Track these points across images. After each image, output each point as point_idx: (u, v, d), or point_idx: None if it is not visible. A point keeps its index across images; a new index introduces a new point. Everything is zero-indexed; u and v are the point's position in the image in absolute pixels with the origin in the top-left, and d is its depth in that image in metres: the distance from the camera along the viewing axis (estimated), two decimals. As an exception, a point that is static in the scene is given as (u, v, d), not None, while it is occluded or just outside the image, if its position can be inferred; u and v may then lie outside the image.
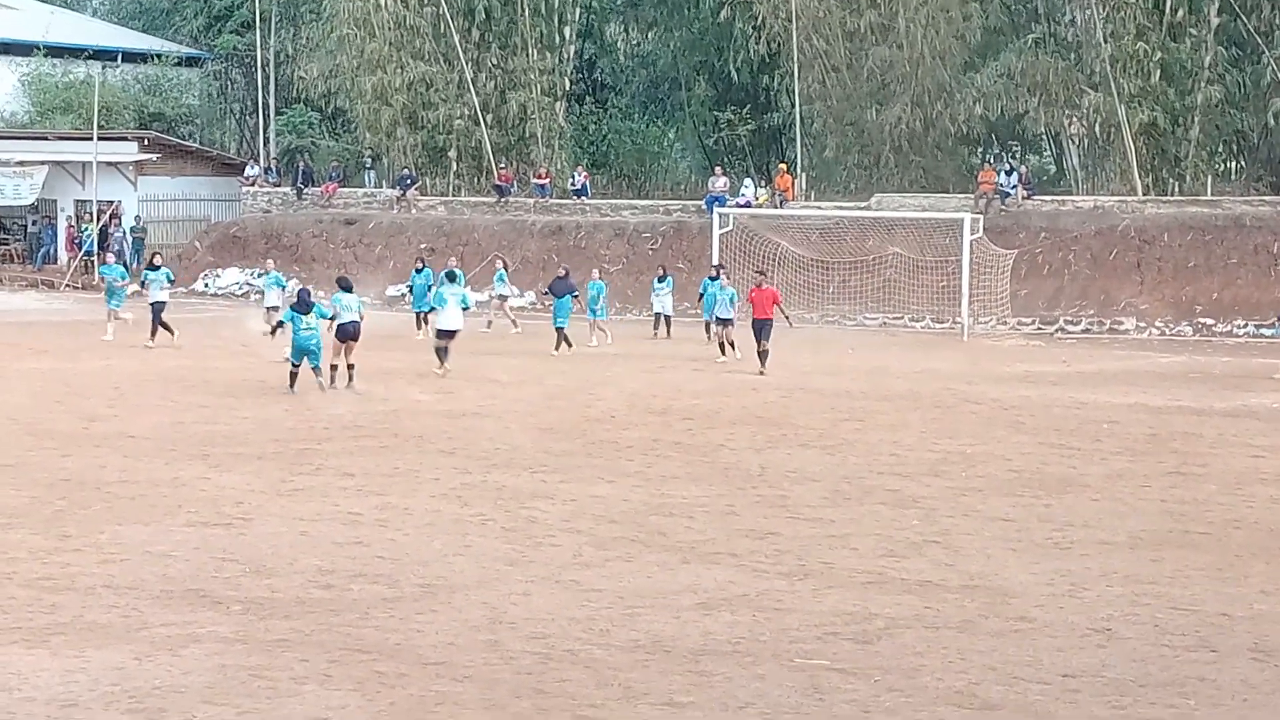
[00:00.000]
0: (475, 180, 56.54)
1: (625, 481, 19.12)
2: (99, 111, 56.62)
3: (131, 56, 70.46)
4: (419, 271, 39.49)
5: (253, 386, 27.08)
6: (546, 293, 36.31)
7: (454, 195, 55.55)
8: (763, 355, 31.15)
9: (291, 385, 26.33)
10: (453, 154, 56.59)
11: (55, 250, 58.10)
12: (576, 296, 36.08)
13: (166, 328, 33.77)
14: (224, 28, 70.21)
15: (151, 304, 34.06)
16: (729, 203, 48.20)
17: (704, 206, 48.98)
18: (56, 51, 67.29)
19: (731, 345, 33.38)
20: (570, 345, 34.50)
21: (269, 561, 14.66)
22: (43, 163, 56.93)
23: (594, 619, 13.02)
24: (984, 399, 27.79)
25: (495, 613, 13.13)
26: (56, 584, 13.67)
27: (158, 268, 35.02)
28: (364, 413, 24.56)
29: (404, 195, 54.69)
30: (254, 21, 63.94)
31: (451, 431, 22.92)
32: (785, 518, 17.17)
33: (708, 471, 19.99)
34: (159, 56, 69.83)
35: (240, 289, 52.56)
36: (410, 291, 41.25)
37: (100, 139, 56.09)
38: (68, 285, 53.44)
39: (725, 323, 34.16)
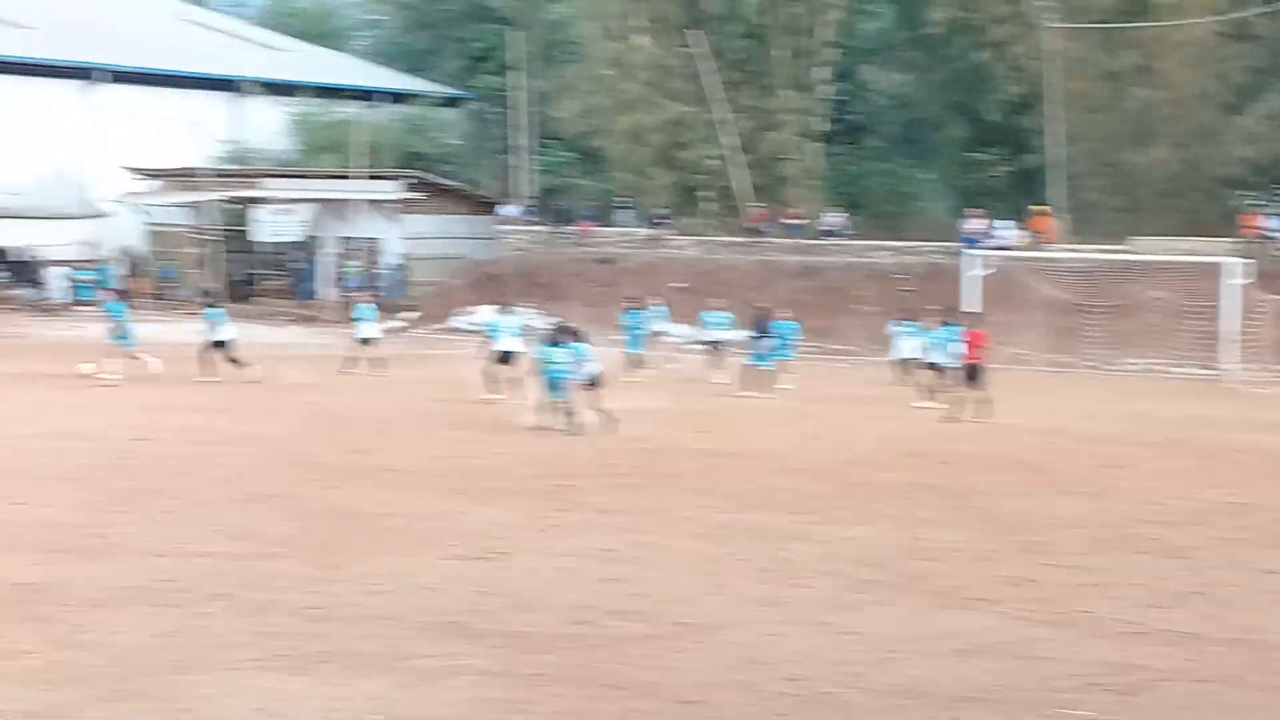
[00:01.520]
0: (729, 220, 56.73)
1: (881, 524, 18.98)
2: (362, 151, 57.89)
3: (394, 97, 72.11)
4: (630, 313, 38.68)
5: (510, 423, 27.36)
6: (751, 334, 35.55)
7: (707, 235, 55.76)
8: (975, 402, 30.34)
9: (548, 422, 26.44)
10: (706, 194, 56.84)
11: (319, 286, 59.45)
12: (771, 337, 34.95)
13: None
14: (483, 68, 71.47)
15: (360, 340, 35.12)
16: (984, 244, 47.72)
17: (958, 248, 48.55)
18: (322, 92, 69.17)
19: (939, 392, 31.67)
20: (746, 391, 33.83)
21: (527, 596, 14.80)
22: (308, 200, 58.33)
23: (849, 662, 12.93)
24: (1250, 447, 27.08)
25: (750, 653, 13.11)
26: (322, 613, 13.95)
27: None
28: (621, 451, 24.70)
29: (657, 235, 55.03)
30: (512, 62, 64.93)
31: (707, 471, 22.97)
32: (1044, 564, 16.89)
33: (965, 516, 19.76)
34: (420, 97, 71.45)
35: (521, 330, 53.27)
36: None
37: (363, 178, 57.37)
38: (330, 321, 54.58)
39: (938, 368, 32.39)
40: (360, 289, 54.67)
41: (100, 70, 63.91)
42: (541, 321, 38.72)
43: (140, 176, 62.78)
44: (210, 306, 35.40)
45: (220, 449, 23.96)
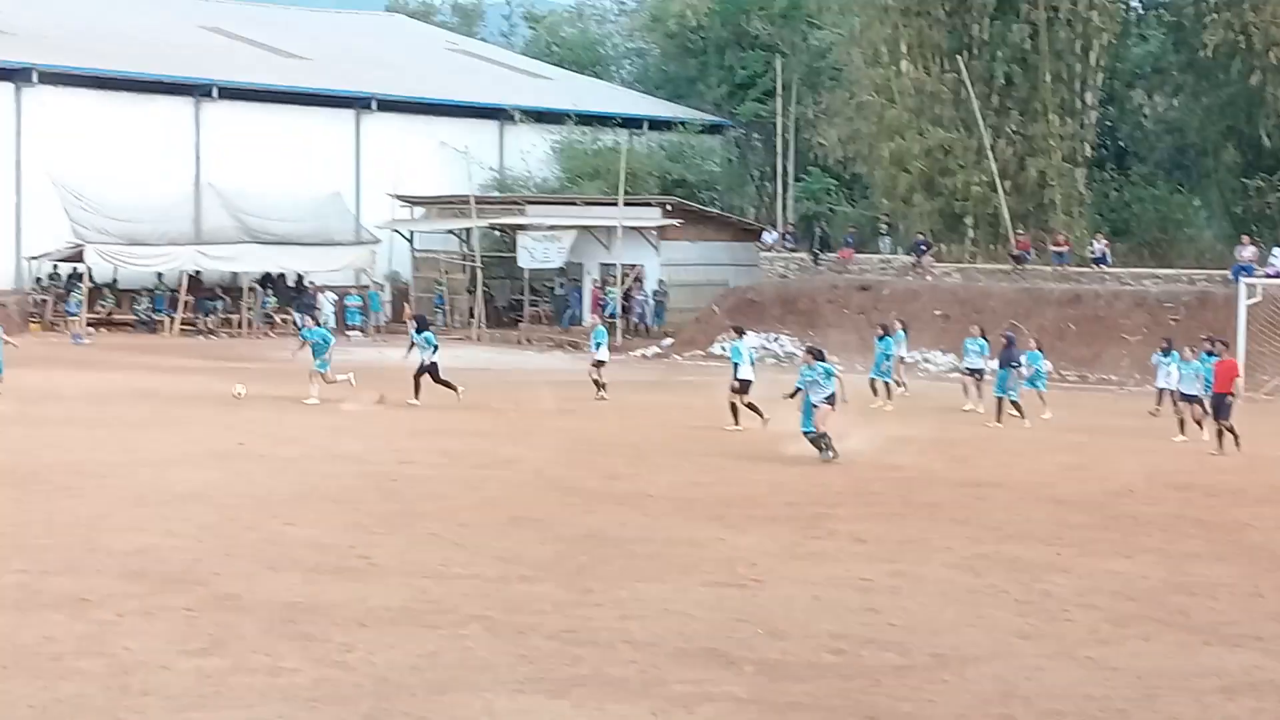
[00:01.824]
0: (991, 247, 56.12)
1: (1144, 558, 18.59)
2: (625, 178, 58.40)
3: (657, 124, 72.73)
4: (881, 339, 37.96)
5: (765, 450, 27.35)
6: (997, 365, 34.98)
7: (969, 262, 55.22)
8: (1223, 433, 29.62)
9: (823, 450, 26.22)
10: (969, 221, 56.33)
11: (580, 312, 60.10)
12: (1017, 367, 34.44)
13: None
14: (746, 95, 71.80)
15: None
16: (1257, 272, 46.54)
17: (1229, 276, 47.41)
18: (586, 120, 70.03)
19: (1198, 424, 31.19)
20: (999, 420, 33.36)
21: (782, 624, 14.77)
22: (571, 227, 59.01)
23: (1110, 698, 12.67)
24: None
25: (1008, 686, 12.93)
26: (578, 637, 14.07)
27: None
28: (877, 479, 24.56)
29: (919, 262, 54.65)
30: (775, 89, 65.05)
31: (964, 501, 22.73)
32: (1315, 603, 16.42)
33: (1232, 550, 19.27)
34: (683, 124, 71.86)
35: (756, 353, 53.20)
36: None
37: (625, 204, 57.87)
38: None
39: (1191, 399, 31.63)
40: (610, 314, 55.26)
41: (370, 100, 65.43)
42: (798, 347, 38.69)
43: (407, 204, 64.14)
44: (420, 330, 36.00)
45: (480, 473, 24.31)
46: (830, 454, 26.02)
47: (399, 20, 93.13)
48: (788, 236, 60.90)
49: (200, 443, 26.78)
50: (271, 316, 60.68)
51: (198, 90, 61.85)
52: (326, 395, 33.97)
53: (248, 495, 21.33)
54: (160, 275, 59.19)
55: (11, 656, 12.73)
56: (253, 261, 60.41)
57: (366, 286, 62.65)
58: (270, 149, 62.50)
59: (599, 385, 36.55)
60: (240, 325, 59.16)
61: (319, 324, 39.66)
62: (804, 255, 58.62)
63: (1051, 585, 16.84)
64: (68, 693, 11.88)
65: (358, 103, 65.47)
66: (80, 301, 53.99)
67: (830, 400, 26.29)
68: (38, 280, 58.50)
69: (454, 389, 34.60)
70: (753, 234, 61.94)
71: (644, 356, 54.10)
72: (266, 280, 61.85)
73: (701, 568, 17.21)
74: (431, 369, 34.65)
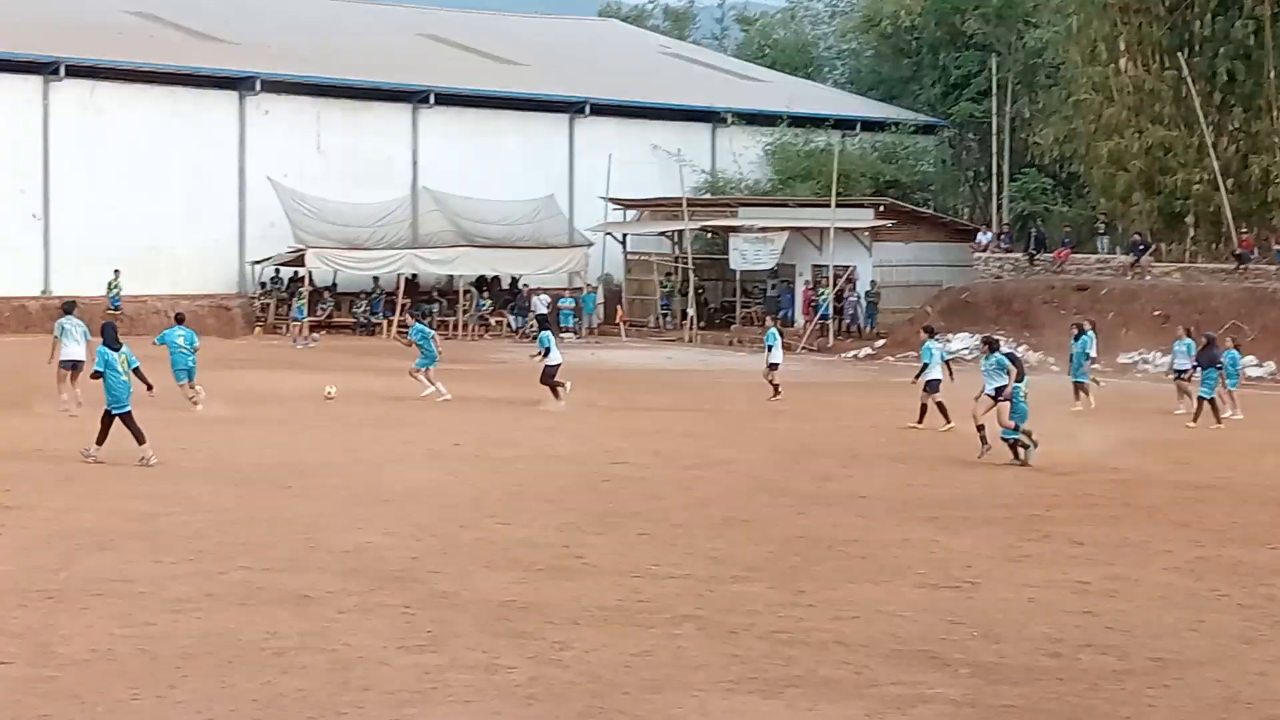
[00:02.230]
0: (1213, 246, 55.04)
1: (1373, 563, 18.12)
2: (837, 179, 58.20)
3: (869, 125, 72.49)
4: (1076, 339, 36.95)
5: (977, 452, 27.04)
6: (1194, 365, 34.18)
7: (1190, 262, 54.21)
8: None
9: (1017, 456, 25.94)
10: (1190, 219, 55.30)
11: (792, 313, 60.02)
12: (1220, 368, 33.61)
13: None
14: (961, 95, 71.21)
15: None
16: None
17: None
18: (799, 121, 69.98)
19: None
20: (1219, 420, 32.70)
21: (997, 627, 14.62)
22: (783, 229, 58.96)
23: (1338, 706, 12.38)
24: None
25: (1230, 692, 12.67)
26: (791, 638, 14.05)
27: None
28: (1092, 481, 24.20)
29: (1138, 261, 53.79)
30: (991, 88, 64.45)
31: (1184, 503, 22.31)
32: None
33: None
34: (896, 125, 71.56)
35: (970, 354, 52.67)
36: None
37: (838, 206, 57.68)
38: (804, 348, 55.04)
39: None
40: (822, 316, 55.11)
41: (584, 104, 65.95)
42: (1012, 348, 38.17)
43: (620, 206, 64.51)
44: (543, 330, 36.33)
45: (691, 473, 24.38)
46: (1025, 451, 25.62)
47: (612, 25, 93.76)
48: (1003, 237, 60.29)
49: (417, 443, 27.19)
50: (486, 319, 61.39)
51: (415, 96, 62.83)
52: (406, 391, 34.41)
53: (463, 495, 21.62)
54: (376, 278, 60.15)
55: (236, 651, 13.03)
56: (468, 265, 61.22)
57: (580, 289, 63.12)
58: (485, 153, 63.31)
59: (775, 388, 36.46)
60: (456, 328, 59.89)
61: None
62: (1019, 255, 57.99)
63: (1276, 589, 16.48)
64: (290, 687, 12.13)
65: (571, 107, 66.03)
66: (302, 307, 54.98)
67: (998, 393, 25.99)
68: (261, 285, 59.77)
69: (557, 392, 34.14)
70: (967, 235, 61.41)
71: (856, 358, 53.87)
72: (481, 283, 62.59)
73: (915, 569, 17.10)
74: (548, 371, 34.46)
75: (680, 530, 19.19)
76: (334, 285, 60.28)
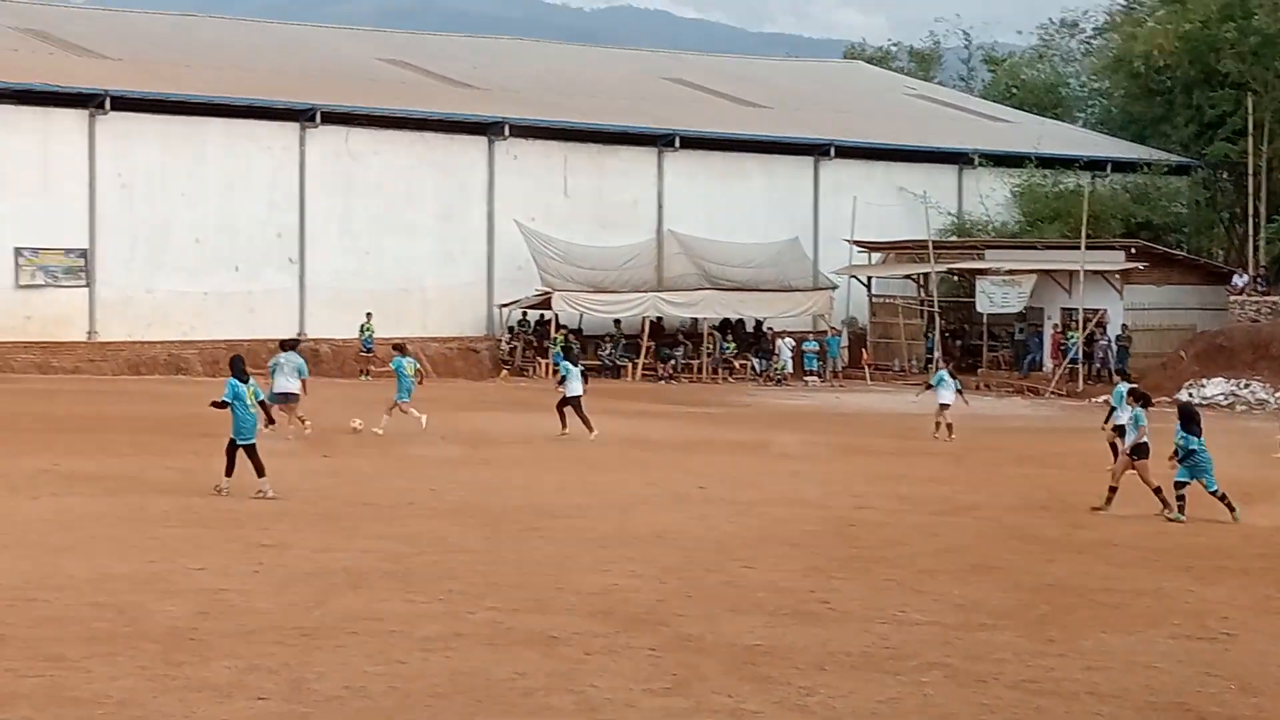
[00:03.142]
0: None
1: None
2: (1087, 220, 57.35)
3: (1120, 165, 71.29)
4: None
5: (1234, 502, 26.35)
6: None
7: None
8: None
9: (1166, 505, 25.10)
10: None
11: (1041, 358, 59.20)
12: None
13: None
14: (1215, 135, 69.73)
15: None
16: None
17: None
18: (1047, 163, 69.14)
19: None
20: None
21: (1255, 680, 14.22)
22: (1031, 271, 58.23)
23: None
24: None
25: None
26: (1041, 687, 13.81)
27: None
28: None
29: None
30: (1246, 128, 63.09)
31: None
32: None
33: None
34: (1148, 165, 70.27)
35: (1225, 399, 51.45)
36: None
37: (1088, 248, 56.79)
38: (1052, 392, 54.22)
39: None
40: (1072, 360, 54.15)
41: (829, 146, 65.83)
42: (1269, 394, 37.11)
43: (864, 249, 64.24)
44: (565, 359, 36.61)
45: (937, 519, 24.14)
46: (1171, 513, 24.71)
47: (857, 67, 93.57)
48: (1259, 280, 58.87)
49: (661, 485, 27.29)
50: (730, 362, 61.45)
51: (660, 140, 63.23)
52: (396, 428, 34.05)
53: (708, 538, 21.62)
54: (617, 321, 60.55)
55: (485, 691, 13.14)
56: (712, 308, 61.34)
57: (824, 332, 62.93)
58: (730, 196, 63.54)
59: (948, 428, 36.10)
60: (700, 370, 60.04)
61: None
62: (1277, 299, 56.57)
63: None
64: (537, 727, 12.22)
65: (816, 149, 65.94)
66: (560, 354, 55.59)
67: (1134, 451, 25.18)
68: (509, 328, 60.49)
69: (589, 424, 34.62)
70: (1221, 277, 60.06)
71: (1107, 402, 52.82)
72: (725, 325, 62.71)
73: (1169, 619, 16.73)
74: (573, 400, 34.86)
75: (927, 576, 18.99)
76: (579, 329, 60.81)
